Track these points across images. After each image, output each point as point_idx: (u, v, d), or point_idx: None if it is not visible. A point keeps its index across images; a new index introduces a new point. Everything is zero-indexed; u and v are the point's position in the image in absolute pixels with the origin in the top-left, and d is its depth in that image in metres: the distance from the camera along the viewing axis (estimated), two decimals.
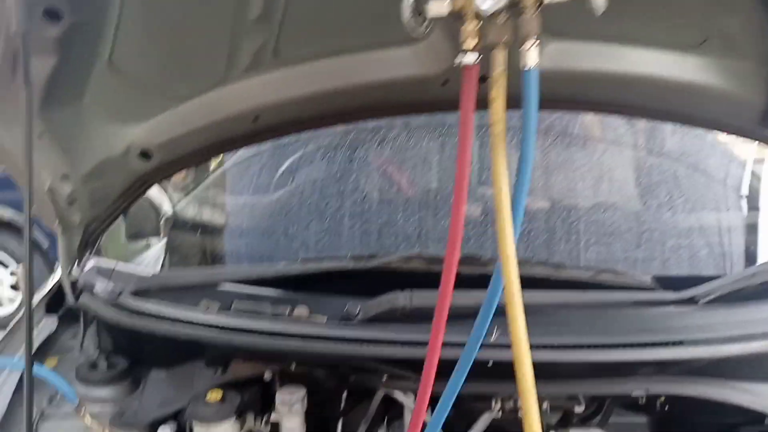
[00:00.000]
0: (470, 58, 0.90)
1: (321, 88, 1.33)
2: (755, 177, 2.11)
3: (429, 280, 1.43)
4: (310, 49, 1.29)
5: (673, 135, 2.18)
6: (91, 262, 1.61)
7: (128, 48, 1.23)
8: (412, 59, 1.25)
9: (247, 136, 1.43)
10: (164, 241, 2.12)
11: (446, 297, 0.73)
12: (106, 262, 1.65)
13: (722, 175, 2.12)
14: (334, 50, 1.29)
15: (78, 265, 1.56)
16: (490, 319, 0.69)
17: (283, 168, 2.18)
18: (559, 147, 2.09)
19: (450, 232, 0.69)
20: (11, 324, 1.62)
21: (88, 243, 1.55)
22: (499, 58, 0.89)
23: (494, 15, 0.87)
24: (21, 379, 1.43)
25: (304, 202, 2.01)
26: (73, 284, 1.58)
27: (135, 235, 2.14)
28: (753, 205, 2.05)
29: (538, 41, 0.86)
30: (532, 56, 0.86)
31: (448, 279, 0.70)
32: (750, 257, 1.93)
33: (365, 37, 1.27)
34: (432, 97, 1.34)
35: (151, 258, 2.03)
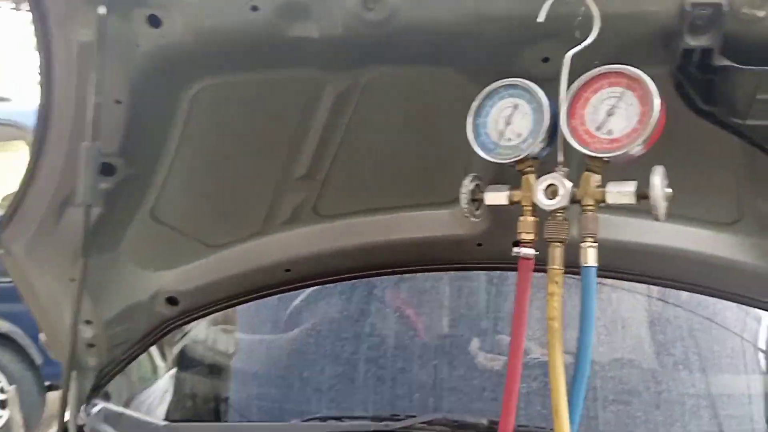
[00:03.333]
0: (528, 252, 0.90)
1: (356, 244, 1.34)
2: None
3: None
4: (350, 207, 1.32)
5: None
6: (98, 406, 1.54)
7: (171, 200, 1.25)
8: (449, 221, 1.27)
9: (277, 285, 1.42)
10: (172, 373, 2.04)
11: None
12: (113, 407, 1.57)
13: (740, 328, 2.09)
14: (373, 209, 1.32)
15: (86, 407, 1.49)
16: None
17: (294, 305, 2.14)
18: (575, 298, 2.07)
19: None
20: None
21: (100, 386, 1.49)
22: (557, 254, 0.90)
23: (554, 212, 0.88)
24: None
25: (319, 343, 1.95)
26: (80, 428, 1.49)
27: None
28: None
29: (595, 242, 0.87)
30: (591, 254, 0.87)
31: None
32: None
33: (404, 199, 1.30)
34: (466, 256, 1.35)
35: (158, 392, 1.93)
